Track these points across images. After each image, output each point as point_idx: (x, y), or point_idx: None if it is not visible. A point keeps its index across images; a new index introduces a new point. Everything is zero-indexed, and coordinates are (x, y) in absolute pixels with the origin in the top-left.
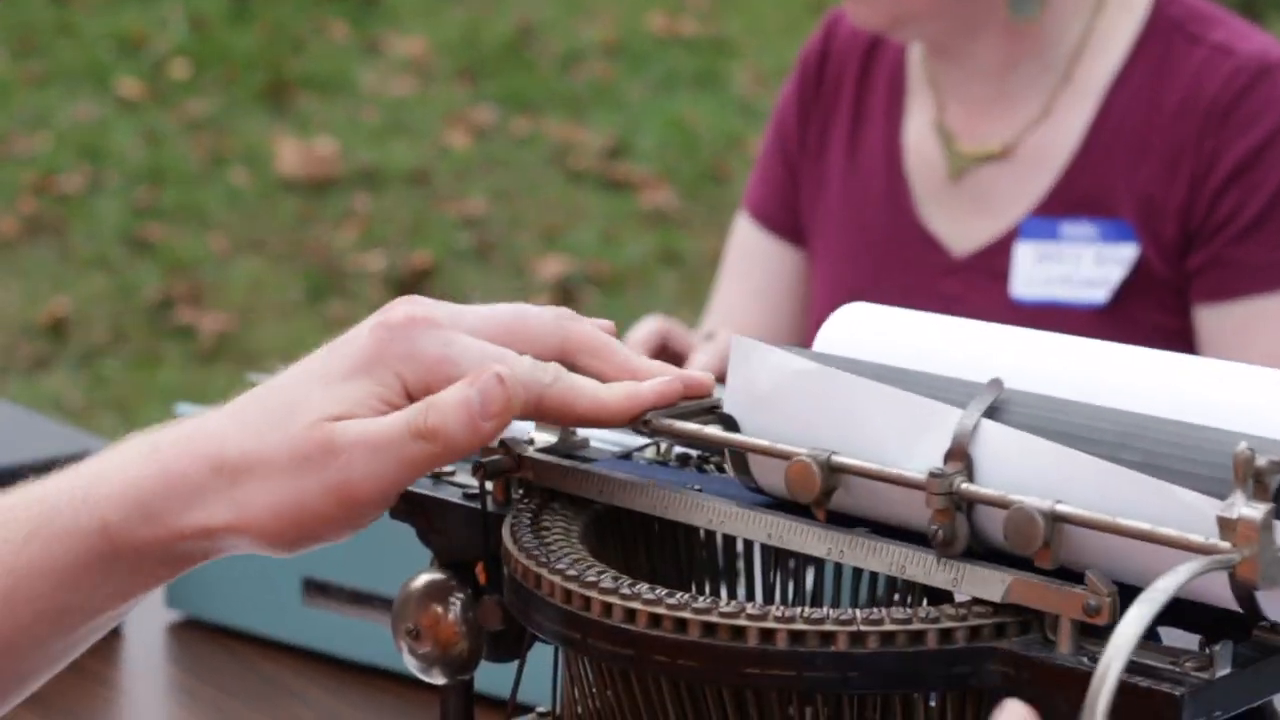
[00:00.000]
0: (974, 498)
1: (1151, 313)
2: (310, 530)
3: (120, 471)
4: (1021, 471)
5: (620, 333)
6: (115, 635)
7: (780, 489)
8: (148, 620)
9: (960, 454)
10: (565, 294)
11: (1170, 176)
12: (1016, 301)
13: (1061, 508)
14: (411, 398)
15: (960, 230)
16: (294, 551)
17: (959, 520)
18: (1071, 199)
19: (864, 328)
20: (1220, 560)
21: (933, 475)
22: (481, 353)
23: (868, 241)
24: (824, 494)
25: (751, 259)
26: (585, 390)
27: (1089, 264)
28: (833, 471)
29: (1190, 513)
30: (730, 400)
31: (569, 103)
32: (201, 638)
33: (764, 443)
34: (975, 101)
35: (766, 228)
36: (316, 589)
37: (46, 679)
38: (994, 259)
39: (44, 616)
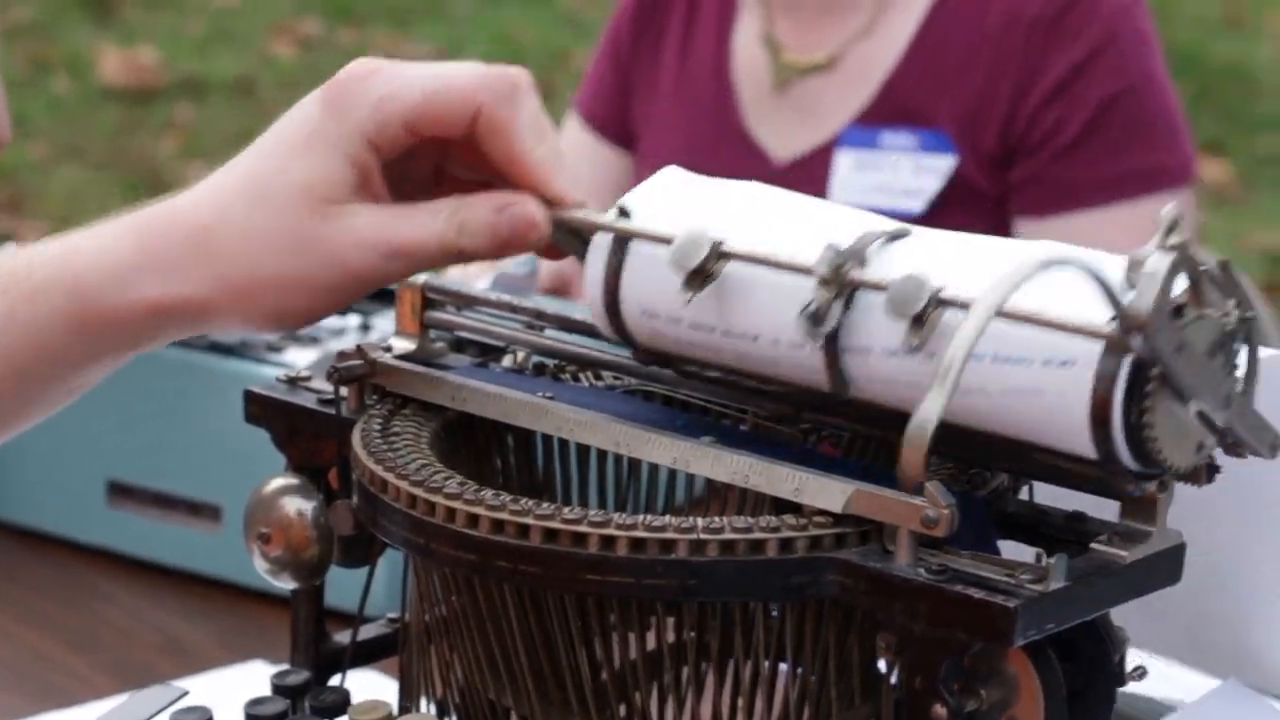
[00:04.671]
0: (860, 282)
1: (968, 223)
2: (296, 309)
3: (95, 239)
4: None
5: None
6: None
7: (655, 311)
8: None
9: (859, 255)
10: None
11: (993, 89)
12: None
13: (945, 294)
14: (375, 145)
15: (783, 138)
16: (277, 330)
17: (836, 305)
18: (892, 110)
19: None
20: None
21: (827, 248)
22: (419, 80)
23: (693, 147)
24: (703, 272)
25: (578, 160)
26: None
27: (907, 174)
28: (721, 258)
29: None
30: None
31: (395, 14)
32: (7, 539)
33: (657, 228)
34: (803, 13)
35: (595, 131)
36: (120, 491)
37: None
38: (814, 166)
39: (7, 376)
